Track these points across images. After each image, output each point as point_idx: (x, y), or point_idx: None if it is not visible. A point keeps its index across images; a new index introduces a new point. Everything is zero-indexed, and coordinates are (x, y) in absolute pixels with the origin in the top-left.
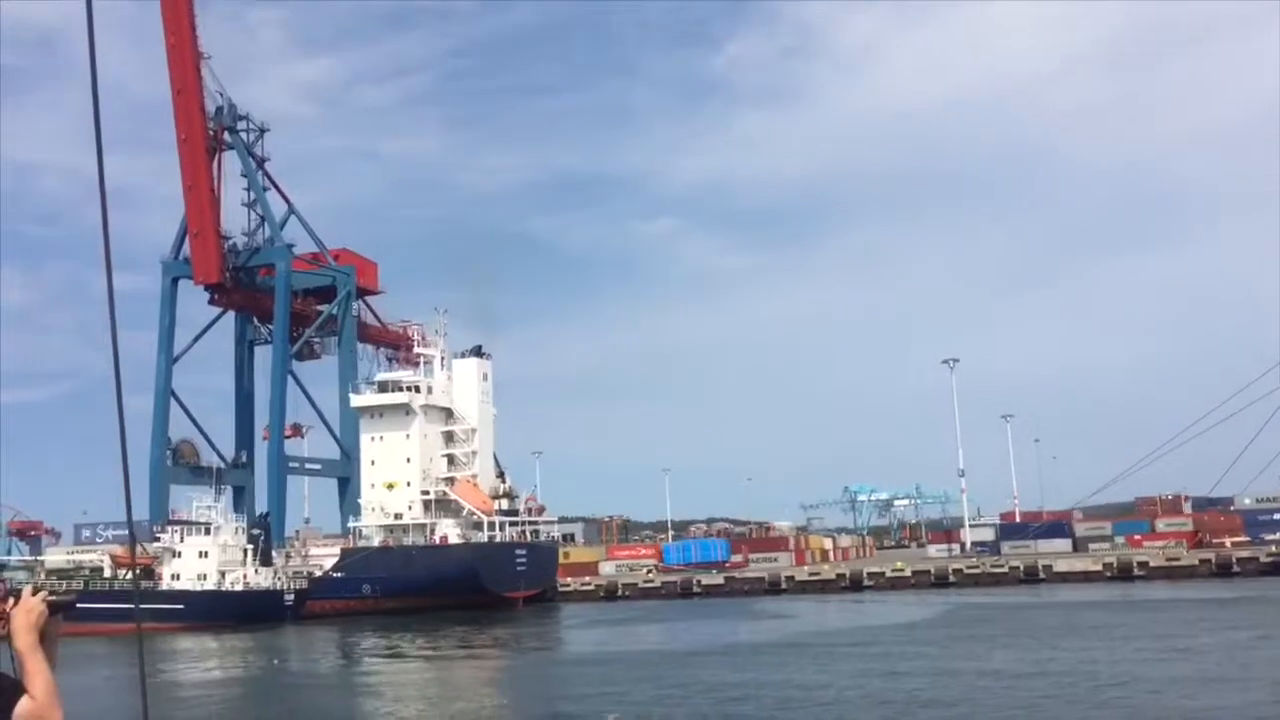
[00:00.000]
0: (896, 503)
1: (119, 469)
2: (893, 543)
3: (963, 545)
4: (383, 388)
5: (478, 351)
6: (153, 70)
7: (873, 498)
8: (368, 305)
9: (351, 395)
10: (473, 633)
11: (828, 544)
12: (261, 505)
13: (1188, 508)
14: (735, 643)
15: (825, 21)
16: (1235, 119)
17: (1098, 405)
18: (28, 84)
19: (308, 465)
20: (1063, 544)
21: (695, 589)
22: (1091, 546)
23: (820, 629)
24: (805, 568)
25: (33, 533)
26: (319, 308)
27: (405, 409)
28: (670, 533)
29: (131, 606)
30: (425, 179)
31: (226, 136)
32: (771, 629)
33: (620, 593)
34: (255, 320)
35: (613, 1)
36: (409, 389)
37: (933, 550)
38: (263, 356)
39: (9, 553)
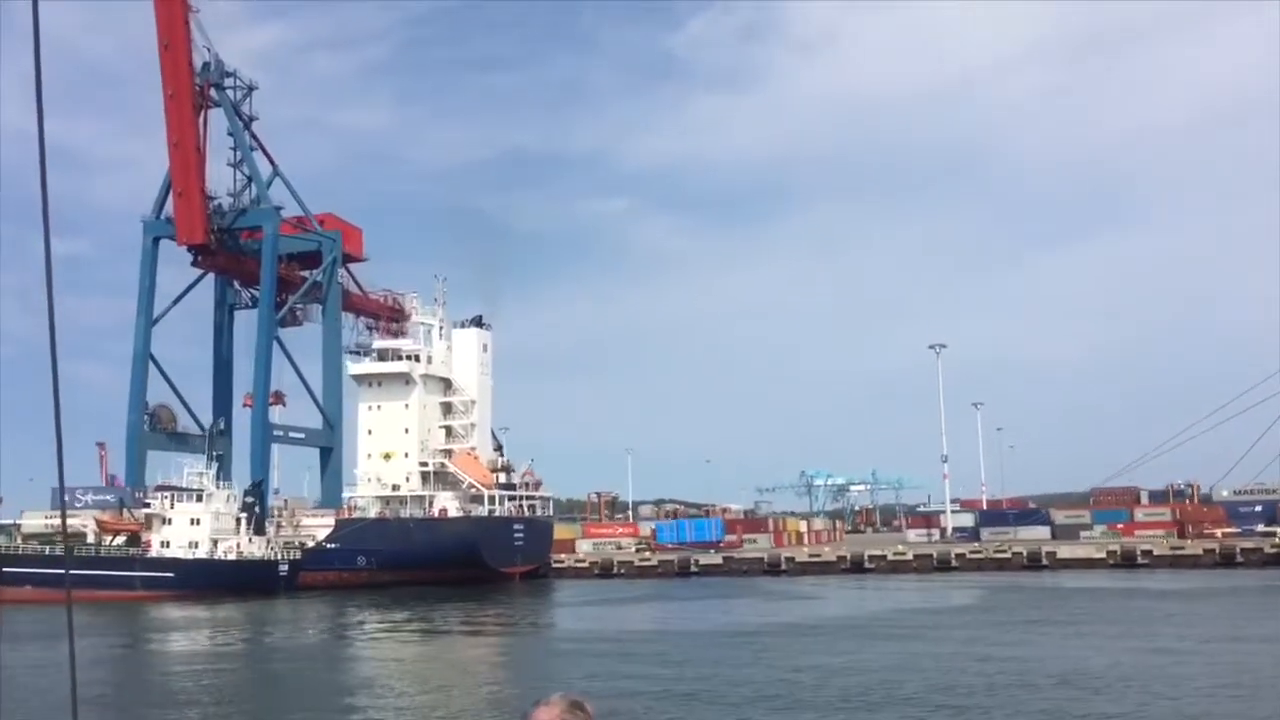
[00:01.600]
0: (853, 488)
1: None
2: (849, 528)
3: (943, 531)
4: (382, 356)
5: (478, 321)
6: (106, 34)
7: (829, 483)
8: (349, 273)
9: (349, 363)
10: (472, 609)
11: (803, 527)
12: (240, 473)
13: (1145, 498)
14: (798, 623)
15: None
16: (1190, 111)
17: (1048, 394)
18: None
19: (291, 434)
20: (1042, 531)
21: (693, 568)
22: (1083, 534)
23: (885, 608)
24: (805, 549)
25: None
26: (302, 273)
27: (405, 378)
28: (629, 513)
29: (127, 574)
30: (376, 151)
31: (213, 93)
32: (828, 609)
33: (615, 570)
34: (236, 284)
35: None
36: (409, 358)
37: (912, 535)
38: (242, 322)
39: None
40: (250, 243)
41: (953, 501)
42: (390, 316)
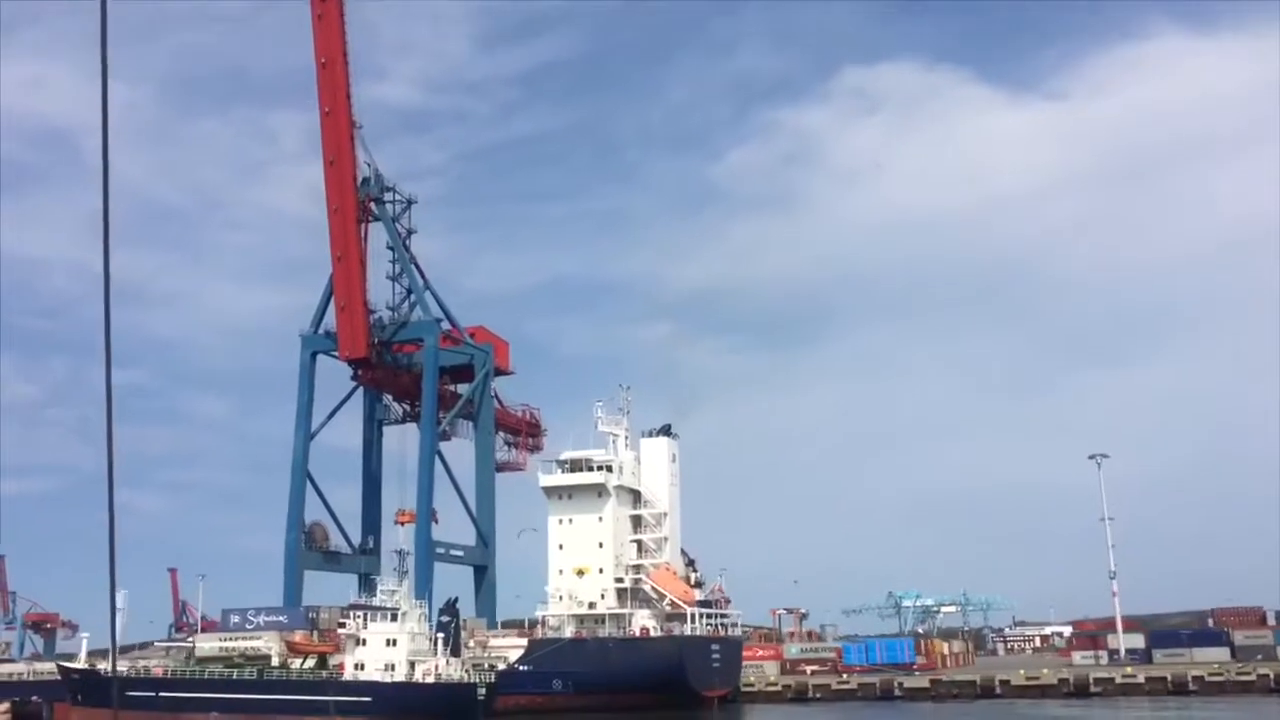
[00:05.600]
0: (943, 609)
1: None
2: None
3: (1112, 653)
4: (574, 467)
5: (666, 430)
6: (155, 170)
7: (917, 603)
8: (494, 388)
9: (540, 475)
10: None
11: (945, 648)
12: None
13: (1272, 618)
14: None
15: (825, 132)
16: (1230, 234)
17: (1135, 511)
18: (40, 179)
19: (452, 552)
20: (1220, 652)
21: (897, 692)
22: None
23: None
24: (1022, 671)
25: (49, 625)
26: (451, 387)
27: (598, 490)
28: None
29: (321, 698)
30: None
31: (373, 207)
32: None
33: (810, 694)
34: (387, 399)
35: (618, 107)
36: (601, 468)
37: (1078, 657)
38: (391, 437)
39: (23, 645)
40: (402, 356)
41: (1067, 623)
42: (529, 432)
